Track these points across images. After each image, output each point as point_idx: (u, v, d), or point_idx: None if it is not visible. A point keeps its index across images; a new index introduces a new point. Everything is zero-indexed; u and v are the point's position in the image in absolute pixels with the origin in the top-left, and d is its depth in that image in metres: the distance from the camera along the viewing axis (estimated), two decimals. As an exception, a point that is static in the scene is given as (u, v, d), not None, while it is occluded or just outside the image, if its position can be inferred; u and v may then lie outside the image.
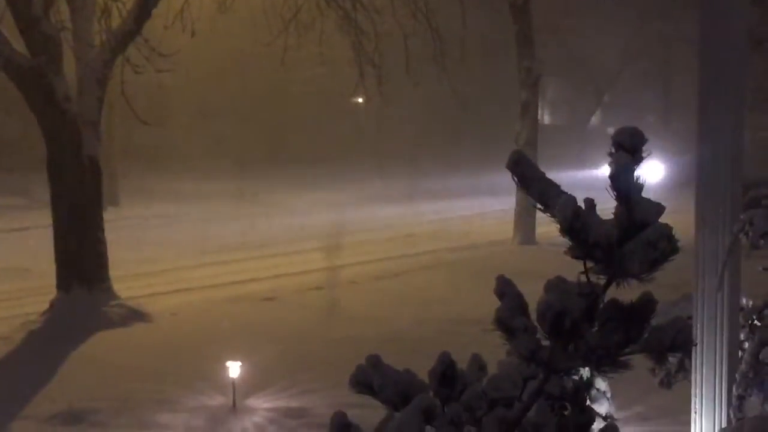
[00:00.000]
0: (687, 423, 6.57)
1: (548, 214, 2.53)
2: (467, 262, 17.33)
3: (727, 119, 5.99)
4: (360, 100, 31.58)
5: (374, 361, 2.98)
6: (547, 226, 18.63)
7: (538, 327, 2.54)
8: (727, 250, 5.24)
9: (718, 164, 5.87)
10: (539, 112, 23.32)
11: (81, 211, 13.17)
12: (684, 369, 7.39)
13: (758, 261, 4.94)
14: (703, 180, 5.96)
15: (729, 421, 5.20)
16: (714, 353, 5.72)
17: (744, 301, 6.01)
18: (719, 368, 5.73)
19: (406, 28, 16.57)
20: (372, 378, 2.94)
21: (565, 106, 43.38)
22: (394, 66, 17.71)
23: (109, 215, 14.97)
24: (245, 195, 27.81)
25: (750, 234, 4.68)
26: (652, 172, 29.71)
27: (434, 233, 21.47)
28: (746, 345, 5.29)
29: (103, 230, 13.48)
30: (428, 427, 2.74)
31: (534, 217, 19.39)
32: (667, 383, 7.69)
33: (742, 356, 4.83)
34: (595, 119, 42.53)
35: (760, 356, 4.54)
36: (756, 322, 4.63)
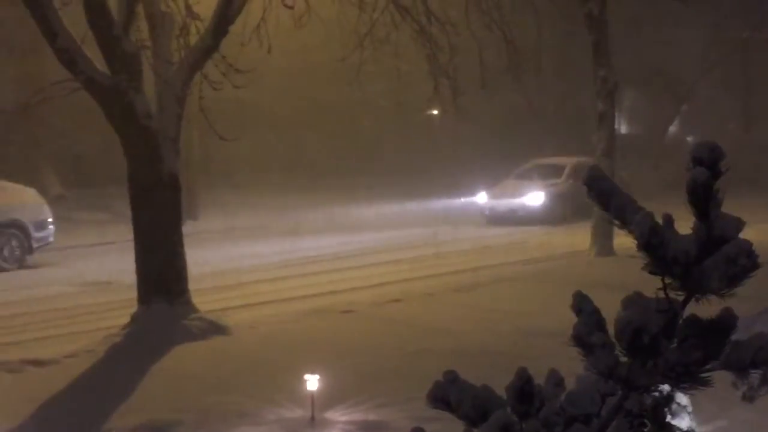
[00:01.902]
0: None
1: (625, 230, 2.52)
2: (544, 273, 17.22)
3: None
4: (435, 112, 31.59)
5: (451, 377, 2.99)
6: (625, 237, 18.48)
7: (616, 343, 2.52)
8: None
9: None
10: (617, 121, 23.14)
11: (161, 225, 13.34)
12: (767, 383, 7.26)
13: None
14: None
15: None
16: (798, 367, 5.61)
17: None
18: (804, 382, 5.62)
19: (481, 41, 16.56)
20: (449, 393, 2.95)
21: (643, 115, 42.91)
22: (469, 78, 17.70)
23: (188, 229, 15.19)
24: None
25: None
26: (534, 198, 27.11)
27: (510, 245, 21.39)
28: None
29: (182, 244, 13.65)
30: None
31: (611, 228, 19.19)
32: (749, 397, 7.56)
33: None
34: (673, 128, 41.99)
35: None
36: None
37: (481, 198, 28.06)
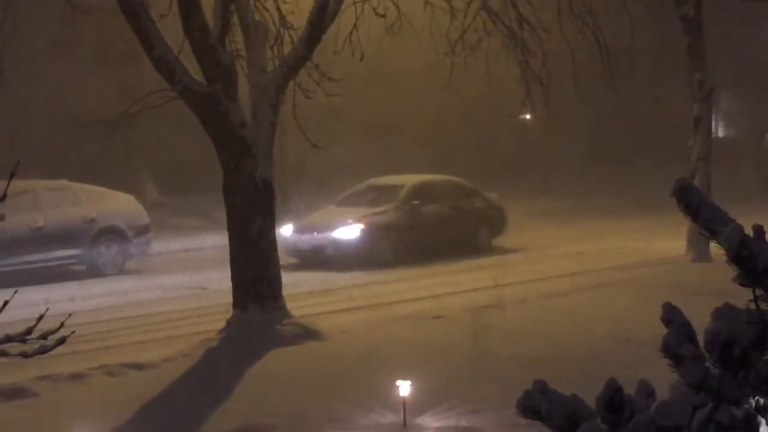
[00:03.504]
0: None
1: (715, 242, 2.52)
2: (639, 280, 17.03)
3: None
4: (527, 116, 31.44)
5: (541, 387, 3.00)
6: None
7: (706, 355, 2.52)
8: None
9: None
10: (713, 125, 22.72)
11: (255, 231, 13.53)
12: None
13: None
14: None
15: None
16: None
17: None
18: None
19: (573, 45, 16.44)
20: (539, 403, 2.96)
21: (740, 118, 42.08)
22: (561, 82, 17.60)
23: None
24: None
25: None
26: (347, 231, 20.41)
27: (605, 250, 21.17)
28: None
29: (276, 250, 13.84)
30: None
31: (709, 233, 18.85)
32: None
33: None
34: (772, 131, 41.09)
35: None
36: None
37: (286, 231, 20.53)
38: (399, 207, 21.10)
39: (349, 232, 20.46)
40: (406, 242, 20.65)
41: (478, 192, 22.88)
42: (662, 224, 23.34)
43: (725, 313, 2.46)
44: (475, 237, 21.93)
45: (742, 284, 2.45)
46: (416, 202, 21.29)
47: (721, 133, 39.82)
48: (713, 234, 2.50)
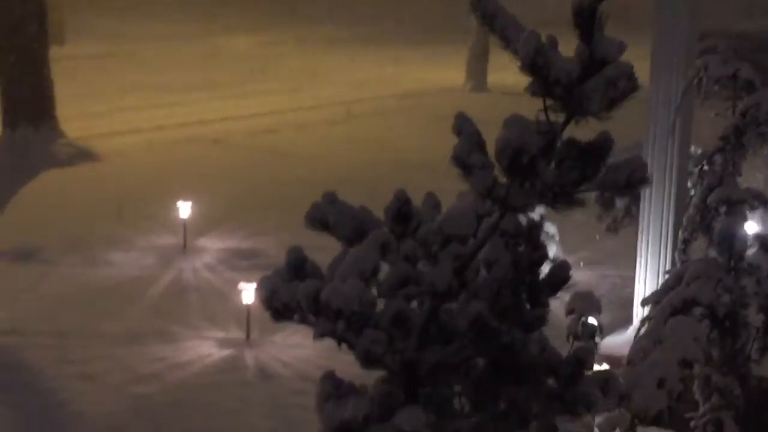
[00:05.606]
0: (632, 267, 6.72)
1: (509, 51, 2.51)
2: (419, 108, 17.28)
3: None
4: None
5: (330, 198, 2.99)
6: (499, 73, 18.47)
7: (496, 164, 2.54)
8: (681, 95, 5.25)
9: (675, 10, 5.84)
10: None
11: (27, 49, 12.92)
12: (630, 215, 7.54)
13: (711, 106, 4.97)
14: (660, 26, 5.94)
15: (674, 264, 5.32)
16: (662, 199, 5.82)
17: (693, 148, 6.09)
18: (666, 213, 5.84)
19: None
20: (327, 214, 2.95)
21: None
22: None
23: (54, 53, 14.59)
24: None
25: (704, 80, 4.69)
26: None
27: (386, 79, 21.30)
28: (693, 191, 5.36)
29: (49, 69, 13.27)
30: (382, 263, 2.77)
31: (486, 64, 19.28)
32: (614, 228, 7.85)
33: (689, 201, 4.92)
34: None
35: (708, 200, 4.62)
36: (705, 167, 4.69)
37: None
38: None
39: None
40: None
41: None
42: (442, 54, 23.71)
43: (516, 122, 2.48)
44: None
45: (533, 94, 2.47)
46: None
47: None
48: (508, 42, 2.48)
